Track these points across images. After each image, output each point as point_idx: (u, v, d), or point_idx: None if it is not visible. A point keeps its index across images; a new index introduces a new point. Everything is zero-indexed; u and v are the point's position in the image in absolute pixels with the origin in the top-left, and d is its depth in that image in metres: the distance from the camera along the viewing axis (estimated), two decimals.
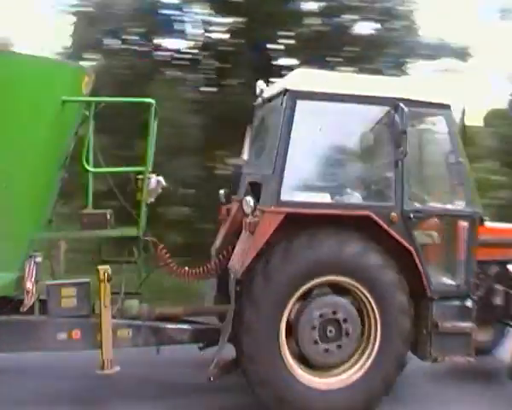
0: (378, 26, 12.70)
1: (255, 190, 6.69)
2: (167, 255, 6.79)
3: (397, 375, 6.38)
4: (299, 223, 5.95)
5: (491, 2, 23.21)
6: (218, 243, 7.26)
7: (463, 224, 6.55)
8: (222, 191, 7.52)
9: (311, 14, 12.23)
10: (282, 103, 6.12)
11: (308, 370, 6.30)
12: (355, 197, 6.39)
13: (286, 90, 6.10)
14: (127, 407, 6.65)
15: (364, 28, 12.71)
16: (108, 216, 6.32)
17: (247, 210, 6.19)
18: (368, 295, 6.26)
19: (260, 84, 7.24)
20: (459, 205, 6.66)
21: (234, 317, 5.98)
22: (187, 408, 6.67)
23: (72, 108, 5.98)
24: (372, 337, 6.38)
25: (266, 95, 7.00)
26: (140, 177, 6.45)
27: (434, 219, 6.83)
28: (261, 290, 5.94)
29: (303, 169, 6.35)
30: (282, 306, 6.07)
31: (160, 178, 6.65)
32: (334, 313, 6.19)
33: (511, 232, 7.39)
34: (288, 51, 12.29)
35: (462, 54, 15.95)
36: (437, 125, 6.81)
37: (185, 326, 6.70)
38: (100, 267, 6.19)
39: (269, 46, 12.12)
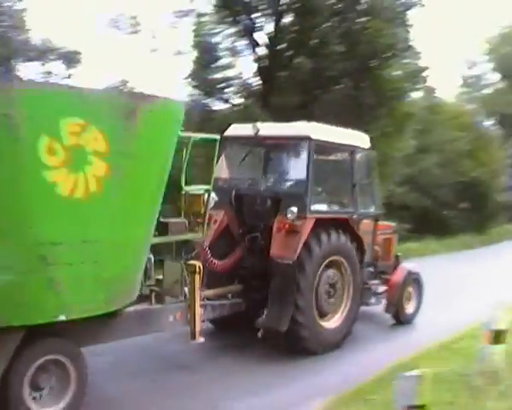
0: None
1: (241, 199, 10.88)
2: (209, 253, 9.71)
3: (358, 316, 11.20)
4: (317, 222, 10.03)
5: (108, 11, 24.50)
6: (207, 243, 9.88)
7: (373, 222, 12.10)
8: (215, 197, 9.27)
9: None
10: (306, 147, 10.21)
11: (319, 317, 10.33)
12: (337, 208, 11.28)
13: (310, 138, 10.17)
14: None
15: None
16: (187, 224, 8.64)
17: (292, 217, 9.80)
18: (347, 267, 10.84)
19: (258, 125, 10.70)
20: (372, 209, 12.10)
21: (283, 289, 9.68)
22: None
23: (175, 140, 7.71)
24: (347, 294, 10.95)
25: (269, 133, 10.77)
26: (200, 193, 8.77)
27: (363, 219, 11.56)
28: (308, 264, 9.88)
29: (315, 190, 10.42)
30: (316, 274, 10.13)
31: (213, 195, 8.96)
32: (333, 280, 10.65)
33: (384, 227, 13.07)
34: None
35: (70, 59, 16.49)
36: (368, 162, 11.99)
37: (224, 301, 10.00)
38: (193, 262, 8.65)
39: None
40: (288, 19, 21.37)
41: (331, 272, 10.59)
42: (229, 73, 22.17)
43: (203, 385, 8.58)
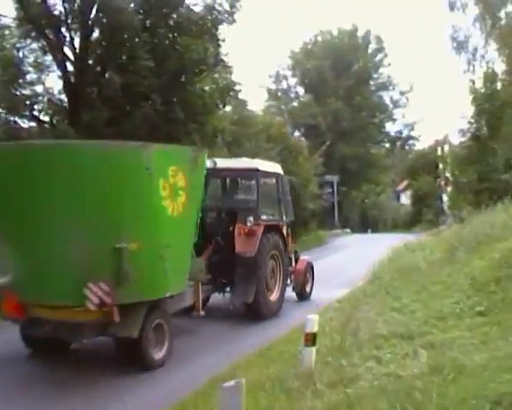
0: None
1: (207, 213, 14.45)
2: None
3: (285, 291, 15.70)
4: (265, 227, 14.42)
5: None
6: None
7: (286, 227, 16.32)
8: None
9: None
10: (255, 176, 14.98)
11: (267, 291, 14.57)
12: (272, 217, 15.66)
13: (258, 170, 14.94)
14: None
15: None
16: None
17: (250, 224, 14.02)
18: (279, 257, 15.23)
19: (216, 160, 14.80)
20: (289, 217, 16.48)
21: (247, 274, 13.86)
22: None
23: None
24: (279, 275, 15.26)
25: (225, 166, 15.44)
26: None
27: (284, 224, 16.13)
28: (262, 256, 14.18)
29: (261, 205, 14.97)
30: (266, 263, 14.45)
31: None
32: (273, 266, 14.96)
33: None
34: None
35: None
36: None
37: (208, 287, 13.76)
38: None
39: None
40: (96, 34, 20.98)
41: (271, 261, 14.91)
42: (38, 89, 21.39)
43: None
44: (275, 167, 16.44)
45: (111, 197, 9.13)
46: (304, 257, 17.99)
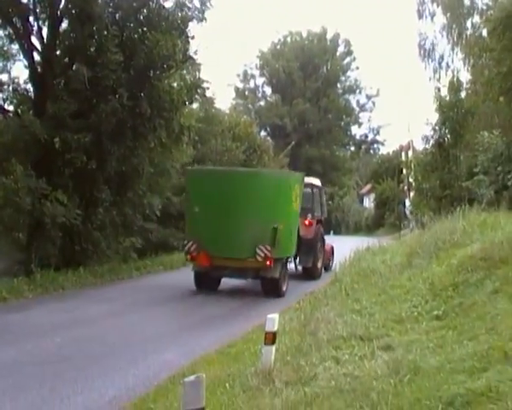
0: None
1: None
2: None
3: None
4: (317, 221, 23.26)
5: None
6: None
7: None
8: None
9: None
10: (311, 188, 22.76)
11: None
12: (318, 214, 23.91)
13: (312, 184, 23.17)
14: None
15: None
16: None
17: (309, 218, 22.13)
18: (322, 240, 23.53)
19: None
20: (324, 215, 24.86)
21: (307, 249, 21.48)
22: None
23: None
24: (322, 251, 23.17)
25: None
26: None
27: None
28: (315, 238, 22.51)
29: (314, 208, 23.51)
30: (318, 242, 22.60)
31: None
32: (320, 245, 23.06)
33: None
34: None
35: None
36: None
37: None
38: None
39: None
40: (65, 25, 20.83)
41: (319, 242, 22.64)
42: (3, 77, 21.14)
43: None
44: (318, 182, 24.79)
45: (272, 200, 17.20)
46: (327, 242, 24.75)
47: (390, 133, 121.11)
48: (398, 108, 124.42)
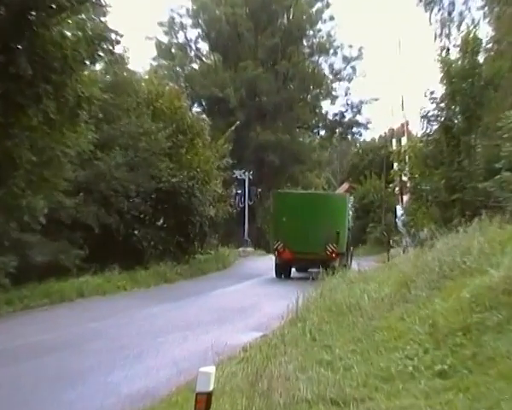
0: None
1: None
2: None
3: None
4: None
5: None
6: None
7: None
8: None
9: None
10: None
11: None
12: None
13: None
14: None
15: None
16: None
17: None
18: (351, 243, 48.92)
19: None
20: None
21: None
22: None
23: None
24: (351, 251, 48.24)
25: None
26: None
27: None
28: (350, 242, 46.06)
29: None
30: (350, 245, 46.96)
31: None
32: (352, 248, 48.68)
33: None
34: None
35: None
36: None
37: None
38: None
39: None
40: None
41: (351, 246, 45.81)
42: None
43: None
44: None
45: (335, 213, 38.77)
46: None
47: (376, 112, 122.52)
48: (389, 76, 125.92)
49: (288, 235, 36.97)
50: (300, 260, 37.99)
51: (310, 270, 37.10)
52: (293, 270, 40.36)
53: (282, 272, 38.65)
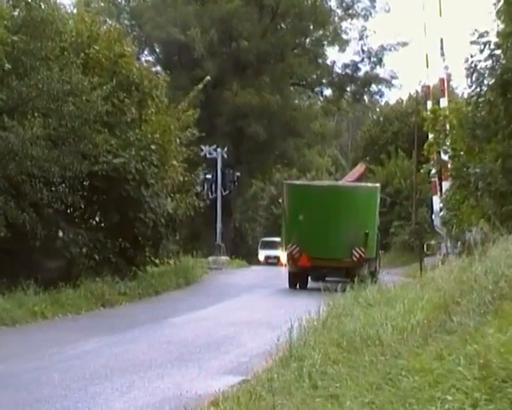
0: None
1: None
2: None
3: None
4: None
5: None
6: None
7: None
8: None
9: None
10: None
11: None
12: None
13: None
14: None
15: None
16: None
17: None
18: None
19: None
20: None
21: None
22: None
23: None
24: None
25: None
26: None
27: None
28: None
29: None
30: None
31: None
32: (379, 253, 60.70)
33: None
34: None
35: None
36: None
37: None
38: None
39: None
40: None
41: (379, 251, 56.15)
42: None
43: None
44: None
45: (363, 210, 47.56)
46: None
47: (404, 63, 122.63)
48: (422, 11, 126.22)
49: (305, 237, 41.81)
50: (320, 268, 43.08)
51: (328, 279, 43.12)
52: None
53: (298, 281, 43.71)
